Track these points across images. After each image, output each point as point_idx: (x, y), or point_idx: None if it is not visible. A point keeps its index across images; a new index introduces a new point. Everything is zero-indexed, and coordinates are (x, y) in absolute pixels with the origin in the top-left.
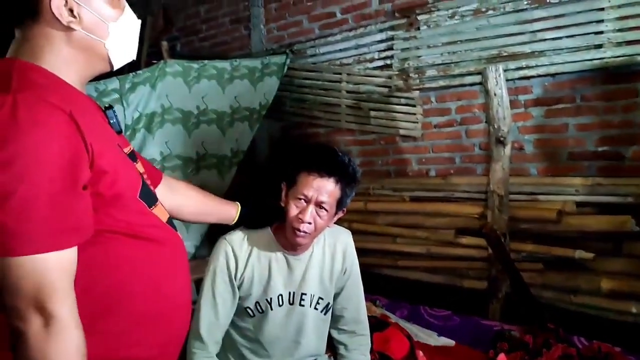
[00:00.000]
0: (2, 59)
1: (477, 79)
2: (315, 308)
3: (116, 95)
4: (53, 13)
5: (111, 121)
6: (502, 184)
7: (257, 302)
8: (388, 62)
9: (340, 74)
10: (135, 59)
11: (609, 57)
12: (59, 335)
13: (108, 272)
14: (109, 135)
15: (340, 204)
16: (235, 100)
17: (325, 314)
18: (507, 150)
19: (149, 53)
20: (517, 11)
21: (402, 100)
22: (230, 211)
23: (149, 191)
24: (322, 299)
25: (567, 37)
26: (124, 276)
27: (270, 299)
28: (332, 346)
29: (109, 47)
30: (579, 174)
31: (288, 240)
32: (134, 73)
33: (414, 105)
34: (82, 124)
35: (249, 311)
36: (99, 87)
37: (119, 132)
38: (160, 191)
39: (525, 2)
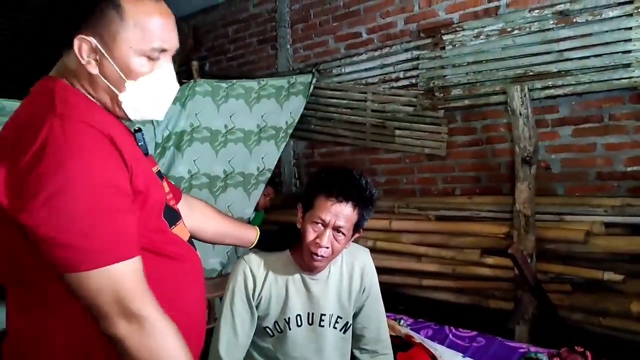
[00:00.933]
0: (47, 76)
1: (502, 98)
2: (335, 327)
3: None
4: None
5: (139, 143)
6: (528, 203)
7: (275, 322)
8: (413, 81)
9: (365, 93)
10: (161, 119)
11: (638, 77)
12: (155, 330)
13: None
14: (140, 156)
15: (357, 227)
16: (262, 119)
17: (344, 332)
18: (533, 169)
19: (179, 72)
20: (543, 31)
21: (428, 119)
22: (249, 235)
23: (172, 210)
24: (340, 318)
25: (594, 56)
26: None
27: (289, 318)
28: None
29: (122, 99)
30: (608, 194)
31: (305, 262)
32: None
33: (439, 124)
34: (120, 146)
35: (268, 331)
36: None
37: (146, 154)
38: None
39: (552, 22)
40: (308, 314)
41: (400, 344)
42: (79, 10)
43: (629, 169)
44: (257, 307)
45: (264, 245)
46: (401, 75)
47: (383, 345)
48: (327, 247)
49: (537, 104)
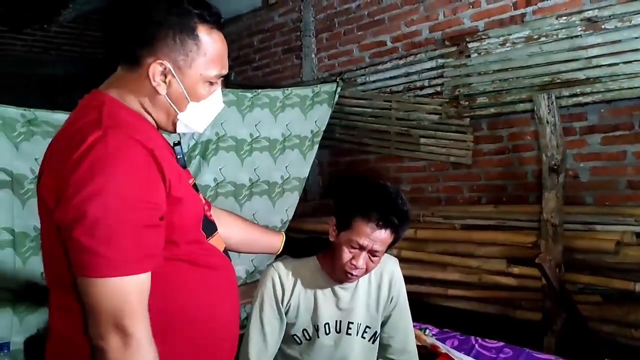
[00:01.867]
0: (97, 90)
1: (529, 106)
2: (363, 337)
3: None
4: (148, 72)
5: (178, 157)
6: (556, 212)
7: (304, 330)
8: (438, 89)
9: (390, 101)
10: (201, 132)
11: None
12: (137, 352)
13: (168, 297)
14: (179, 169)
15: (391, 245)
16: (287, 128)
17: (373, 342)
18: (561, 178)
19: None
20: (571, 37)
21: (453, 127)
22: (274, 241)
23: (210, 222)
24: (369, 327)
25: (624, 63)
26: (182, 302)
27: (317, 326)
28: None
29: (180, 118)
30: (639, 204)
31: (336, 276)
32: None
33: (464, 132)
34: (161, 160)
35: (297, 338)
36: None
37: (184, 167)
38: None
39: (580, 29)
40: (336, 322)
41: (426, 353)
42: (159, 36)
43: None
44: (285, 314)
45: (290, 252)
46: (426, 83)
47: (409, 355)
48: (362, 268)
49: (565, 111)
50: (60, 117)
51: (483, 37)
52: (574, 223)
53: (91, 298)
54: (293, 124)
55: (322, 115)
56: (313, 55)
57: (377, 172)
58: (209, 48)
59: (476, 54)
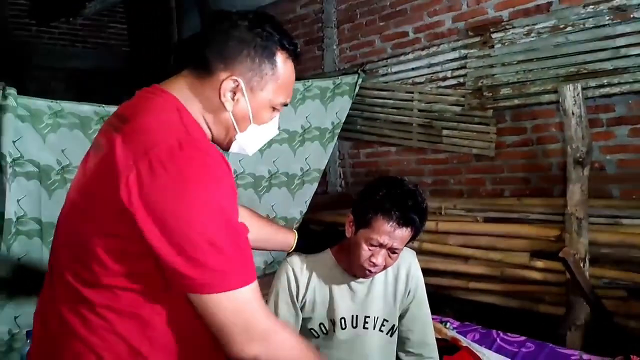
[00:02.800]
0: (164, 90)
1: (553, 97)
2: (380, 330)
3: None
4: (220, 87)
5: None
6: (581, 205)
7: (321, 324)
8: (461, 80)
9: (412, 92)
10: (250, 155)
11: None
12: (284, 343)
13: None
14: None
15: (410, 242)
16: (307, 120)
17: (391, 335)
18: (586, 170)
19: None
20: (598, 27)
21: (476, 119)
22: (287, 238)
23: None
24: (386, 320)
25: None
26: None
27: (333, 320)
28: None
29: (238, 138)
30: None
31: (353, 272)
32: None
33: (487, 124)
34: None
35: (314, 332)
36: None
37: None
38: None
39: (607, 18)
40: (352, 316)
41: (446, 347)
42: (240, 54)
43: None
44: (301, 309)
45: (304, 249)
46: (449, 74)
47: (429, 349)
48: (381, 265)
49: (591, 102)
50: (87, 109)
51: (507, 27)
52: (599, 217)
53: (220, 313)
54: (313, 116)
55: (343, 106)
56: (334, 47)
57: (399, 165)
58: (283, 75)
59: (500, 45)
